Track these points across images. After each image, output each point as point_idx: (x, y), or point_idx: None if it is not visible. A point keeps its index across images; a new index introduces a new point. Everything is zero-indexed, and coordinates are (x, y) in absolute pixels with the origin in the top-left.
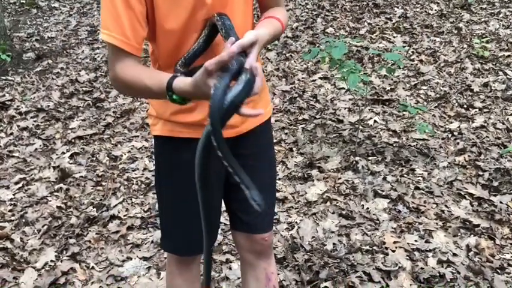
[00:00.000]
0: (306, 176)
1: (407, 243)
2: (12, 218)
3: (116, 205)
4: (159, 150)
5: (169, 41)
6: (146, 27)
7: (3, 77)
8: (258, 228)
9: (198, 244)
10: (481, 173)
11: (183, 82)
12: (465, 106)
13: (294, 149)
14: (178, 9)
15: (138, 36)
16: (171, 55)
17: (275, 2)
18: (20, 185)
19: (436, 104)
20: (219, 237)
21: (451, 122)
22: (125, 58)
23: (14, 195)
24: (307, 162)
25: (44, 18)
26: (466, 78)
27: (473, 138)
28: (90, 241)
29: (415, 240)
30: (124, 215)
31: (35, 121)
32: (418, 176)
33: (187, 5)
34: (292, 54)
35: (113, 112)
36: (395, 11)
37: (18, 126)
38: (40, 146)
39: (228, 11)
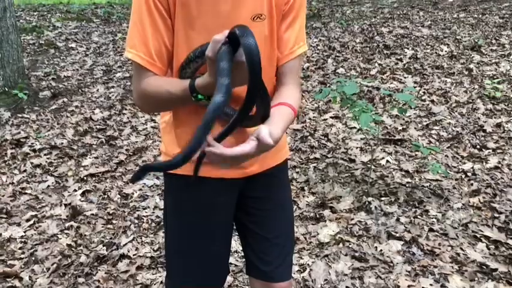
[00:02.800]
0: (318, 216)
1: (423, 287)
2: (22, 255)
3: (126, 244)
4: (167, 187)
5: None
6: (171, 45)
7: (19, 115)
8: (275, 278)
9: (203, 283)
10: (496, 215)
11: (202, 77)
12: (478, 147)
13: (306, 188)
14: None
15: (164, 59)
16: None
17: (288, 80)
18: (31, 222)
19: (449, 145)
20: (230, 279)
21: (464, 163)
22: (151, 77)
23: (24, 232)
24: (319, 202)
25: (61, 57)
26: (479, 118)
27: (487, 179)
28: (99, 280)
29: (431, 284)
30: (134, 254)
31: (48, 158)
32: (432, 218)
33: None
34: (304, 94)
35: (126, 150)
36: (406, 52)
37: (31, 163)
38: (52, 183)
39: None
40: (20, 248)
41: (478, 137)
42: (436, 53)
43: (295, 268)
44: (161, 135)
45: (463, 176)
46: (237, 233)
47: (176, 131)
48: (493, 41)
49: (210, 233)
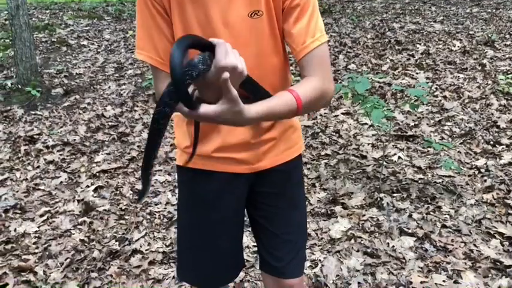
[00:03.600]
0: (329, 212)
1: (435, 284)
2: (36, 250)
3: (138, 239)
4: (178, 180)
5: None
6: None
7: (33, 112)
8: (287, 274)
9: (211, 276)
10: (510, 211)
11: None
12: (492, 143)
13: (317, 184)
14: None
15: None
16: None
17: (308, 73)
18: (45, 217)
19: (462, 141)
20: (241, 274)
21: (478, 159)
22: (164, 78)
23: (38, 227)
24: (331, 198)
25: (73, 55)
26: (492, 114)
27: (501, 176)
28: (111, 275)
29: (443, 281)
30: (146, 250)
31: (61, 155)
32: (445, 214)
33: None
34: None
35: (138, 146)
36: (418, 48)
37: (44, 159)
38: (65, 179)
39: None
40: (34, 243)
41: (491, 133)
42: (448, 48)
43: (307, 264)
44: (174, 129)
45: (476, 172)
46: (249, 229)
47: (186, 125)
48: (507, 36)
49: (219, 226)
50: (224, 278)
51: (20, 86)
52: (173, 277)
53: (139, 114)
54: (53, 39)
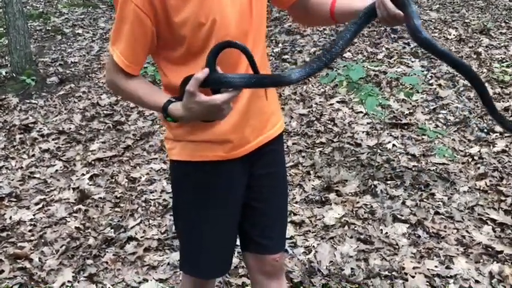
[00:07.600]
0: (323, 199)
1: (428, 269)
2: (32, 238)
3: (133, 226)
4: (178, 175)
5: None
6: (150, 50)
7: (28, 101)
8: (270, 249)
9: (221, 267)
10: (503, 198)
11: (176, 108)
12: (485, 130)
13: (312, 172)
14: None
15: (139, 59)
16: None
17: None
18: (40, 205)
19: (456, 128)
20: (236, 260)
21: (471, 147)
22: (124, 74)
23: (34, 215)
24: (325, 185)
25: (68, 44)
26: None
27: (494, 163)
28: (107, 262)
29: (436, 266)
30: (141, 237)
31: (56, 143)
32: (438, 201)
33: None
34: (310, 79)
35: (133, 135)
36: None
37: (40, 148)
38: (61, 167)
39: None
40: (29, 231)
41: (485, 121)
42: (444, 36)
43: (301, 250)
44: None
45: (470, 160)
46: None
47: None
48: (503, 24)
49: (232, 216)
50: (228, 267)
51: (14, 75)
52: (168, 263)
53: None
54: (47, 28)
